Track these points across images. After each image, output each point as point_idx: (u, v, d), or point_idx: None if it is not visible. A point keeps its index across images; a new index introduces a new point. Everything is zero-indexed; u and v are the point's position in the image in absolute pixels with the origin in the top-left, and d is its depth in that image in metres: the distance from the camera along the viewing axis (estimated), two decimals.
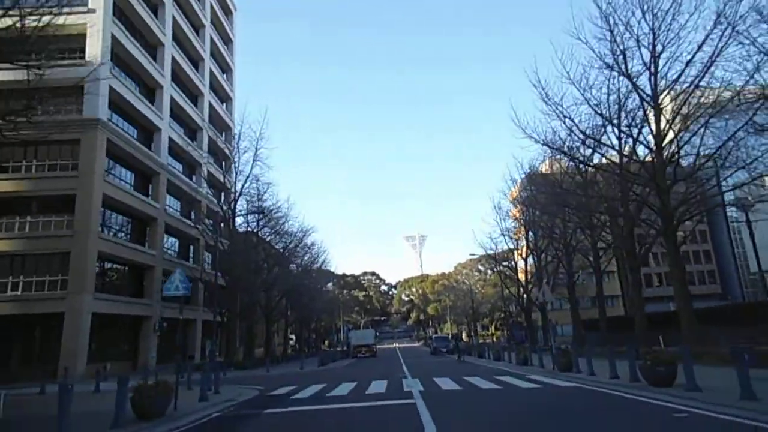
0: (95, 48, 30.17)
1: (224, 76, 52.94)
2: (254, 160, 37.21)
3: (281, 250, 45.87)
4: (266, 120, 57.27)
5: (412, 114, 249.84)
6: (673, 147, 20.60)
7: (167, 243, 40.39)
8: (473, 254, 53.52)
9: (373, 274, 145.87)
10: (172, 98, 39.59)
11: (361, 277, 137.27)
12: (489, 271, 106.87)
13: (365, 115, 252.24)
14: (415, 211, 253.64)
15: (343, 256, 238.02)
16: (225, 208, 38.54)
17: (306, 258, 54.67)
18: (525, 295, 46.11)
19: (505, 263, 54.00)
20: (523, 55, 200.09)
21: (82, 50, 30.66)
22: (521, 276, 50.37)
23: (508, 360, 24.35)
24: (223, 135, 50.24)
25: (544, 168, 40.06)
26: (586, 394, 10.20)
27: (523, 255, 46.58)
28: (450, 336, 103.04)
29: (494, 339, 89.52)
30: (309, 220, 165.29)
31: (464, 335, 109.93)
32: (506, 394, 10.70)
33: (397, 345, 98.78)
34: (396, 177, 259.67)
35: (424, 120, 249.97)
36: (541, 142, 22.65)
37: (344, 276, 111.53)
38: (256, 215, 40.09)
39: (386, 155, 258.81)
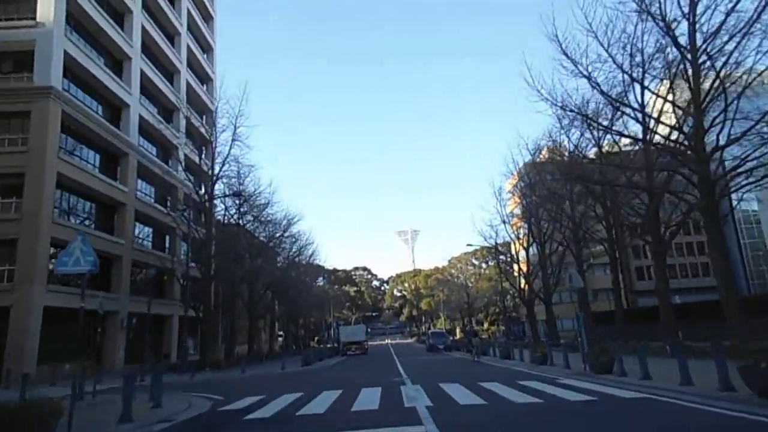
0: (47, 7, 26.57)
1: (204, 55, 49.31)
2: (233, 140, 33.81)
3: (265, 240, 42.51)
4: (246, 96, 52.54)
5: (401, 106, 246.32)
6: (716, 108, 17.51)
7: (141, 232, 36.98)
8: (470, 245, 50.22)
9: (364, 269, 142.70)
10: (143, 73, 35.99)
11: (352, 272, 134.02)
12: (484, 265, 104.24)
13: (351, 108, 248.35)
14: (407, 206, 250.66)
15: (333, 252, 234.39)
16: (202, 192, 35.13)
17: (293, 249, 51.37)
18: (527, 287, 43.07)
19: (503, 255, 51.31)
20: (523, 43, 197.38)
21: (35, 12, 27.09)
22: (523, 266, 47.66)
23: (520, 358, 21.23)
24: (203, 118, 46.66)
25: (545, 154, 37.54)
26: (682, 412, 6.94)
27: (525, 244, 43.50)
28: (445, 331, 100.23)
29: (489, 334, 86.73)
30: (294, 211, 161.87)
31: (458, 330, 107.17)
32: (555, 412, 7.45)
33: (389, 341, 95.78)
34: (386, 171, 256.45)
35: (415, 113, 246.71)
36: (559, 104, 19.56)
37: (335, 271, 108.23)
38: (236, 200, 36.72)
39: (375, 149, 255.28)
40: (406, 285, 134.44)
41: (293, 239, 48.19)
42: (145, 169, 35.43)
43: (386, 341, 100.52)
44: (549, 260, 39.43)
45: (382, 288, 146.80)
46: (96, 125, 29.92)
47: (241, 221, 39.15)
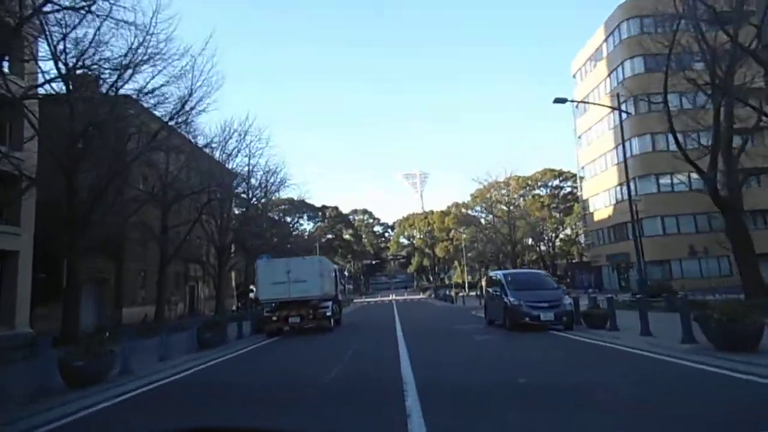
0: None
1: None
2: None
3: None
4: None
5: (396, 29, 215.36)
6: None
7: None
8: (560, 100, 24.88)
9: (365, 212, 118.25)
10: None
11: (351, 215, 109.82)
12: (517, 196, 79.14)
13: (339, 25, 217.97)
14: (415, 147, 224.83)
15: (330, 195, 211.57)
16: None
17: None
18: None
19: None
20: None
21: None
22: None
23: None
24: None
25: None
26: None
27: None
28: (464, 284, 75.32)
29: None
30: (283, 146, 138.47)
31: (484, 283, 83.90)
32: None
33: (393, 297, 72.66)
34: (390, 108, 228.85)
35: (409, 36, 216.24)
36: None
37: (324, 208, 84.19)
38: None
39: (376, 84, 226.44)
40: (416, 232, 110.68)
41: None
42: None
43: (390, 297, 77.55)
44: None
45: (386, 235, 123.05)
46: None
47: None
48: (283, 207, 70.16)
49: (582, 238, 79.10)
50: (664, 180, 38.47)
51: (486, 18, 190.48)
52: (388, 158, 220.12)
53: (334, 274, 21.19)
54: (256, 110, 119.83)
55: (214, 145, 31.78)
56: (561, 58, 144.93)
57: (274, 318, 16.79)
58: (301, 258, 18.37)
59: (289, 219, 76.70)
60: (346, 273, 66.90)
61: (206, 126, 32.53)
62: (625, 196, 42.34)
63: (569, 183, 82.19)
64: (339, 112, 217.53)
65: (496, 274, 15.95)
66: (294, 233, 72.42)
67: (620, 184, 41.81)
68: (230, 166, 35.29)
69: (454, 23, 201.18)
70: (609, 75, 41.51)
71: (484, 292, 18.65)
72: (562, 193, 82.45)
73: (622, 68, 39.66)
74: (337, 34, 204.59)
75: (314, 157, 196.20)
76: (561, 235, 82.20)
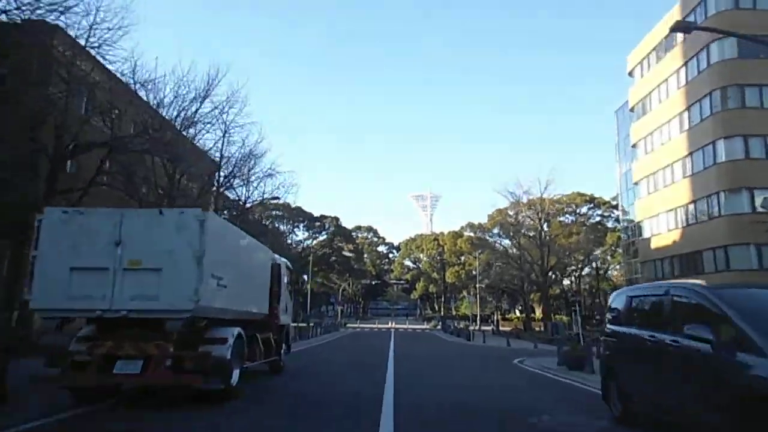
0: None
1: None
2: None
3: None
4: None
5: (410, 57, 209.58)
6: None
7: None
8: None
9: (369, 229, 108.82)
10: None
11: (355, 232, 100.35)
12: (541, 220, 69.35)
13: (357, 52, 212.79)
14: (426, 169, 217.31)
15: (334, 210, 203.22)
16: None
17: None
18: None
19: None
20: None
21: None
22: None
23: None
24: None
25: None
26: None
27: None
28: (480, 317, 64.95)
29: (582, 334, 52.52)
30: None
31: (497, 316, 73.66)
32: None
33: (393, 326, 63.12)
34: (402, 129, 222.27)
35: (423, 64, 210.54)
36: None
37: (323, 218, 75.06)
38: None
39: (392, 104, 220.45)
40: (422, 255, 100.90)
41: None
42: None
43: (390, 324, 68.15)
44: None
45: (390, 256, 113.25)
46: None
47: None
48: (275, 213, 61.74)
49: (618, 271, 69.12)
50: (762, 198, 29.08)
51: (507, 26, 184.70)
52: (397, 178, 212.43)
53: (270, 269, 10.58)
54: (267, 122, 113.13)
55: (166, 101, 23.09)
56: (601, 66, 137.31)
57: (85, 356, 6.72)
58: (155, 212, 7.70)
59: (282, 228, 68.11)
60: (305, 276, 53.94)
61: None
62: (701, 217, 33.18)
63: (599, 211, 73.14)
64: (347, 125, 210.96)
65: (687, 288, 5.72)
66: (289, 244, 63.65)
67: (693, 201, 32.39)
68: (190, 135, 26.52)
69: (466, 31, 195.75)
70: (686, 63, 32.56)
71: (603, 336, 7.94)
72: (590, 222, 72.89)
73: (707, 53, 30.76)
74: (355, 49, 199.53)
75: (320, 170, 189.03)
76: (587, 269, 72.71)
